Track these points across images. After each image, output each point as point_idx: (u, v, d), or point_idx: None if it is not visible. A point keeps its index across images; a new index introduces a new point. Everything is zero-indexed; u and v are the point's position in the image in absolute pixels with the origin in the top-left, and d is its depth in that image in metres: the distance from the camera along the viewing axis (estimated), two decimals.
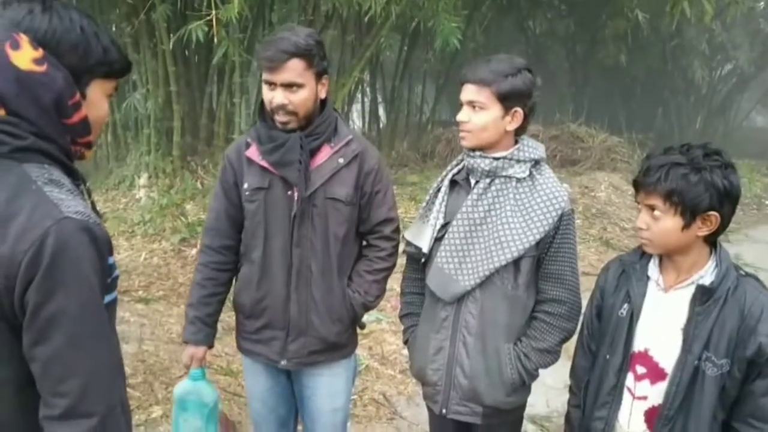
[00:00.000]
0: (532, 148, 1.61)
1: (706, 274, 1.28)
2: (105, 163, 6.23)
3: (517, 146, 1.60)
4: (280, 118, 1.62)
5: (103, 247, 0.96)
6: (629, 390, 1.37)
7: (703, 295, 1.25)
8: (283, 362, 1.75)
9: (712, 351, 1.23)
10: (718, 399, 1.24)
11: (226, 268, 1.81)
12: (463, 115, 1.56)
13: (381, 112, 10.01)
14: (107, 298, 1.01)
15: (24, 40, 0.95)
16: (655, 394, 1.31)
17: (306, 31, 1.62)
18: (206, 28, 4.24)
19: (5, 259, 0.88)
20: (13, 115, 0.96)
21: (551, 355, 1.61)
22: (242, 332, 1.83)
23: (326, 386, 1.80)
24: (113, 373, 0.99)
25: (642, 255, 1.41)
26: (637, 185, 1.33)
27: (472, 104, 1.54)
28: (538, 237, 1.53)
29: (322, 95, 1.68)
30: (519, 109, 1.55)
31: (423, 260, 1.69)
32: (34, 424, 0.94)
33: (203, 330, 1.79)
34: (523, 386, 1.64)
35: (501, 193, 1.57)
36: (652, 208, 1.28)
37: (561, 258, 1.58)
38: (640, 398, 1.34)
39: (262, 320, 1.75)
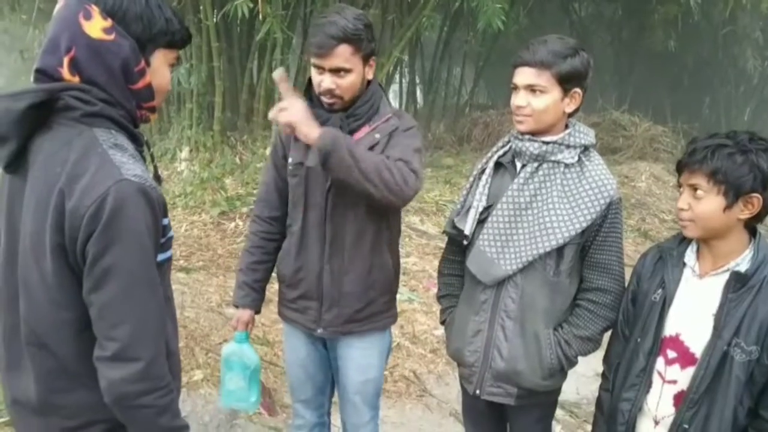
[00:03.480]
0: (583, 133, 1.58)
1: (743, 262, 1.28)
2: (148, 136, 6.39)
3: (567, 131, 1.57)
4: (327, 100, 1.67)
5: (157, 208, 1.03)
6: (660, 374, 1.38)
7: (737, 282, 1.26)
8: (319, 330, 1.81)
9: (742, 337, 1.23)
10: (745, 385, 1.25)
11: (274, 237, 1.88)
12: (521, 99, 1.53)
13: (418, 93, 9.94)
14: (161, 257, 1.09)
15: (95, 10, 1.01)
16: (685, 378, 1.32)
17: (354, 14, 1.63)
18: (251, 5, 4.28)
19: (71, 212, 0.96)
20: (87, 82, 1.03)
21: (592, 343, 1.61)
22: (283, 300, 1.90)
23: (359, 358, 1.85)
24: (160, 324, 1.06)
25: (680, 242, 1.41)
26: (681, 166, 1.33)
27: (531, 88, 1.50)
28: (585, 225, 1.52)
29: (369, 76, 1.70)
30: (578, 90, 1.53)
31: (465, 243, 1.69)
32: (92, 363, 1.02)
33: (250, 294, 1.88)
34: (561, 371, 1.64)
35: (548, 178, 1.55)
36: (694, 188, 1.27)
37: (608, 247, 1.56)
38: (670, 382, 1.35)
39: (299, 290, 1.81)
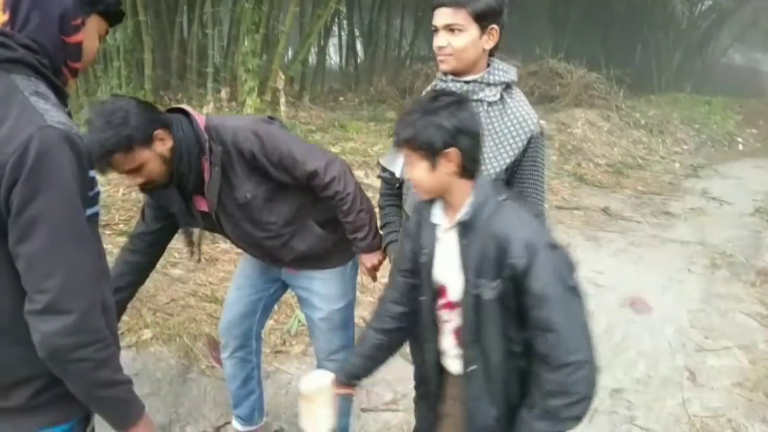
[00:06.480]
0: (503, 71, 1.61)
1: (465, 211, 1.35)
2: (75, 98, 6.05)
3: (487, 69, 1.60)
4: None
5: (83, 157, 1.00)
6: (439, 317, 1.48)
7: (463, 229, 1.35)
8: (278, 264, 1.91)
9: (485, 276, 1.32)
10: (507, 317, 1.33)
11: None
12: (441, 40, 1.55)
13: (359, 46, 9.79)
14: (89, 211, 1.06)
15: None
16: (455, 316, 1.42)
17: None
18: None
19: None
20: (17, 23, 1.00)
21: None
22: None
23: (320, 288, 1.92)
24: (93, 276, 1.04)
25: (431, 201, 1.47)
26: (396, 146, 1.41)
27: (449, 27, 1.54)
28: (508, 161, 1.57)
29: (166, 153, 1.57)
30: (495, 27, 1.56)
31: (398, 185, 1.75)
32: (23, 317, 0.99)
33: None
34: None
35: None
36: (409, 160, 1.36)
37: (527, 180, 1.62)
38: (446, 321, 1.46)
39: None
